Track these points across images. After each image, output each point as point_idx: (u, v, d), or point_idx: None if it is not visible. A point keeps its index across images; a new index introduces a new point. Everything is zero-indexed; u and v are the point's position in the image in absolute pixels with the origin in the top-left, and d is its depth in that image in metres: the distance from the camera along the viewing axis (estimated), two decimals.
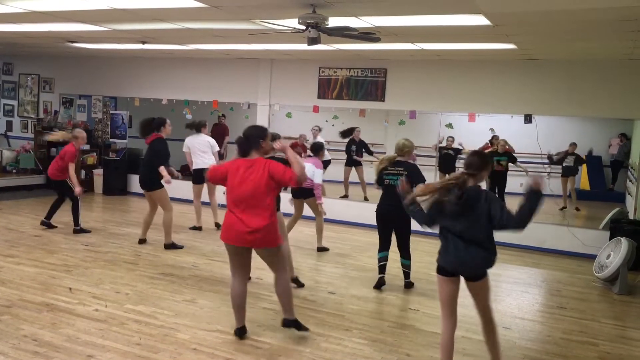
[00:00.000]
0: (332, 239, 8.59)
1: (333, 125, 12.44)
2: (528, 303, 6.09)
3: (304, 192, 7.39)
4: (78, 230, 7.97)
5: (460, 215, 3.72)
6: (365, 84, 9.68)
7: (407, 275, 6.27)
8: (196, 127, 8.67)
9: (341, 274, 6.69)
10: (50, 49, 11.05)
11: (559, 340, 4.97)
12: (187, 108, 11.81)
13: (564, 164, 11.66)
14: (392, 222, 6.14)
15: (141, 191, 7.67)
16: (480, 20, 5.56)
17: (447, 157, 11.13)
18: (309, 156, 7.93)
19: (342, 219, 9.90)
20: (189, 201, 9.24)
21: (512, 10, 5.19)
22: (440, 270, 3.85)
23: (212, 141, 8.75)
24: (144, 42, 8.93)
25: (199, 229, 8.64)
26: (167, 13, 6.33)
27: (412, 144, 6.14)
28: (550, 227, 8.73)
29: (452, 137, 11.29)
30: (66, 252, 6.98)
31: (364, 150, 11.70)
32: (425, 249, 8.26)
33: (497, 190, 10.20)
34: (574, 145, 11.60)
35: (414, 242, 8.56)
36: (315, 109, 10.19)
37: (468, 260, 3.73)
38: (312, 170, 7.21)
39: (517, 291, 6.46)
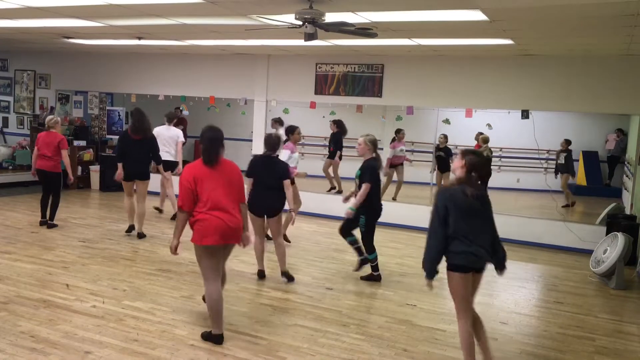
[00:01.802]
0: (329, 235, 8.59)
1: (329, 120, 12.45)
2: (525, 298, 6.10)
3: None
4: (52, 225, 7.97)
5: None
6: (362, 79, 9.66)
7: (375, 268, 6.25)
8: (169, 119, 9.12)
9: (338, 270, 6.70)
10: (46, 45, 11.01)
11: (555, 335, 4.99)
12: (184, 104, 11.79)
13: (558, 162, 11.69)
14: None
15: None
16: (477, 15, 5.55)
17: (439, 158, 11.04)
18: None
19: (338, 214, 9.88)
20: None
21: (509, 6, 5.19)
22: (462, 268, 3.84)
23: (179, 132, 9.18)
24: (140, 38, 8.90)
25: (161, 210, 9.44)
26: (164, 8, 6.31)
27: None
28: (546, 223, 8.75)
29: (444, 135, 11.09)
30: (63, 248, 6.97)
31: (334, 144, 11.46)
32: (423, 245, 8.28)
33: None
34: (566, 141, 11.58)
35: (412, 237, 8.61)
36: (313, 105, 10.18)
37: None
38: (287, 155, 7.09)
39: (514, 286, 6.48)
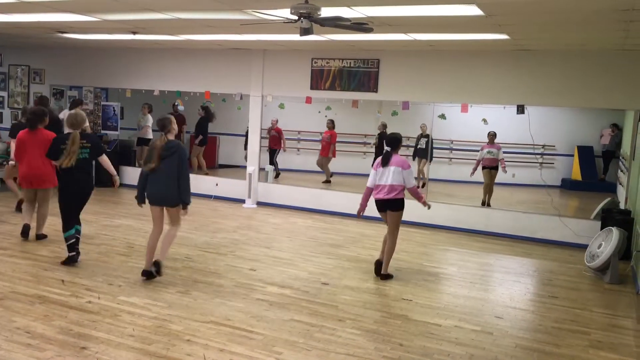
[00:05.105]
0: (325, 230, 8.61)
1: (326, 116, 12.43)
2: (520, 292, 6.13)
3: (388, 204, 6.18)
4: None
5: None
6: (358, 74, 9.65)
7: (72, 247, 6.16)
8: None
9: (334, 265, 6.71)
10: (40, 40, 10.94)
11: (550, 329, 5.01)
12: (179, 99, 11.76)
13: (418, 146, 11.85)
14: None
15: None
16: (473, 10, 5.55)
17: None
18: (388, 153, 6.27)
19: (334, 209, 9.90)
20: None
21: (505, 0, 5.18)
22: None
23: None
24: (135, 33, 8.85)
25: None
26: (158, 2, 6.28)
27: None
28: (541, 217, 8.78)
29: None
30: (58, 244, 6.91)
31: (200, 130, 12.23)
32: (418, 240, 8.31)
33: None
34: (423, 126, 11.66)
35: (407, 232, 8.62)
36: (308, 100, 10.16)
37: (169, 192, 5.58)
38: (397, 172, 6.07)
39: (509, 281, 6.51)
